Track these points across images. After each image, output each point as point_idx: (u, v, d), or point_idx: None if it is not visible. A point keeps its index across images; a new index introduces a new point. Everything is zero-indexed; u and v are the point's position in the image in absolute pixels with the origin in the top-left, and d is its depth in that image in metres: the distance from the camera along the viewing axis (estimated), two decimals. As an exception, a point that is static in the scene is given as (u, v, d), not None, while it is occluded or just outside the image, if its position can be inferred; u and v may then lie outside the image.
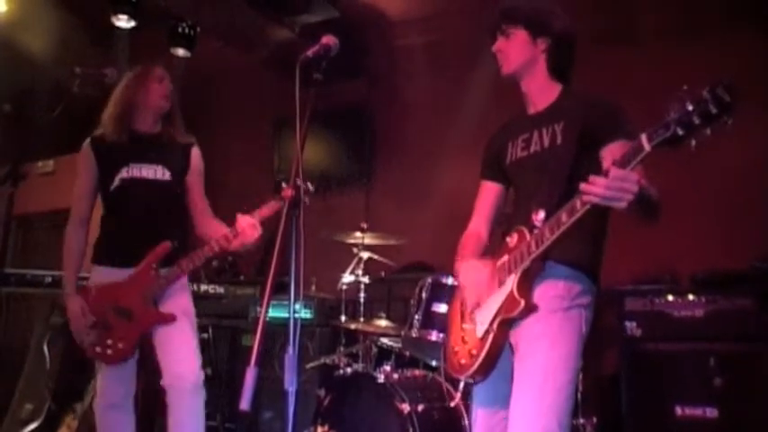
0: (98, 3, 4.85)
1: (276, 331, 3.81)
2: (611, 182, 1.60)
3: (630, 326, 3.40)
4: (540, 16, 2.13)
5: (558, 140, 2.03)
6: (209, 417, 4.22)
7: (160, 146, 2.89)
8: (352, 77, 5.28)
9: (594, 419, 3.46)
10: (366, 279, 3.81)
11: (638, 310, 3.41)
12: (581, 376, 3.45)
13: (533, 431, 1.83)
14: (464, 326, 2.11)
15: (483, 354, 1.96)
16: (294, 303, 1.78)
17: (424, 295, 3.22)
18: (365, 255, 3.87)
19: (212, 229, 2.89)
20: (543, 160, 2.06)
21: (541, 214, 1.90)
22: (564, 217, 1.78)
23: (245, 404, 1.63)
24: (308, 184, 2.57)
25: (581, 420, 3.45)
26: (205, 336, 4.18)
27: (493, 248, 2.16)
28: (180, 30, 5.08)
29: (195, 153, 2.98)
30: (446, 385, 3.22)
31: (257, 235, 2.68)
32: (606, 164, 1.62)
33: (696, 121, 1.44)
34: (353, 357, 3.79)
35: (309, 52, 2.02)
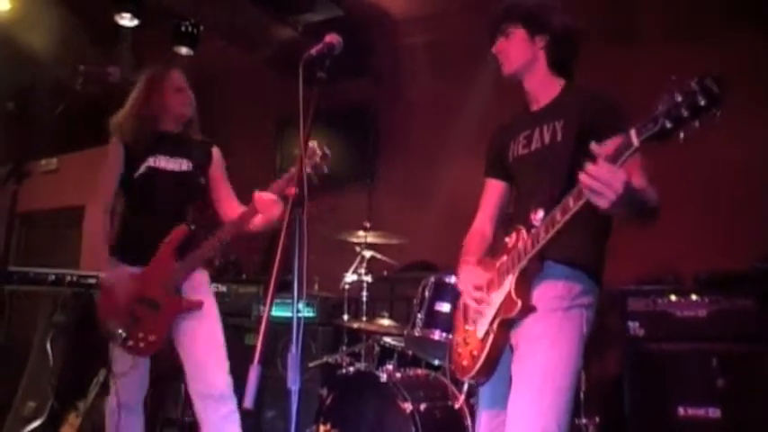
0: (101, 1, 4.85)
1: (279, 330, 3.78)
2: (599, 171, 1.53)
3: (633, 326, 3.39)
4: (537, 13, 2.11)
5: (559, 137, 2.01)
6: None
7: (182, 142, 2.91)
8: (355, 76, 5.27)
9: (597, 419, 3.46)
10: (369, 278, 3.81)
11: (640, 310, 3.41)
12: (583, 376, 3.45)
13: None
14: (466, 327, 2.11)
15: (484, 355, 1.96)
16: (297, 302, 1.78)
17: (426, 294, 3.22)
18: (368, 254, 3.87)
19: (234, 211, 2.89)
20: (543, 158, 2.04)
21: (540, 213, 1.89)
22: (558, 215, 1.76)
23: (248, 402, 1.63)
24: (325, 147, 2.64)
25: (584, 420, 3.45)
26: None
27: (496, 247, 2.15)
28: (183, 28, 5.09)
29: (216, 150, 3.02)
30: (449, 385, 3.22)
31: (280, 209, 2.65)
32: (595, 152, 1.57)
33: (684, 113, 1.40)
34: (356, 356, 3.79)
35: (313, 51, 2.02)
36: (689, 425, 3.17)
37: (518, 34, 2.12)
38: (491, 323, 1.97)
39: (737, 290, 3.22)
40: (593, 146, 1.56)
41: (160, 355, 2.83)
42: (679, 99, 1.40)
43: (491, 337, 1.95)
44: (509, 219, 2.22)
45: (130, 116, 2.84)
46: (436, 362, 3.41)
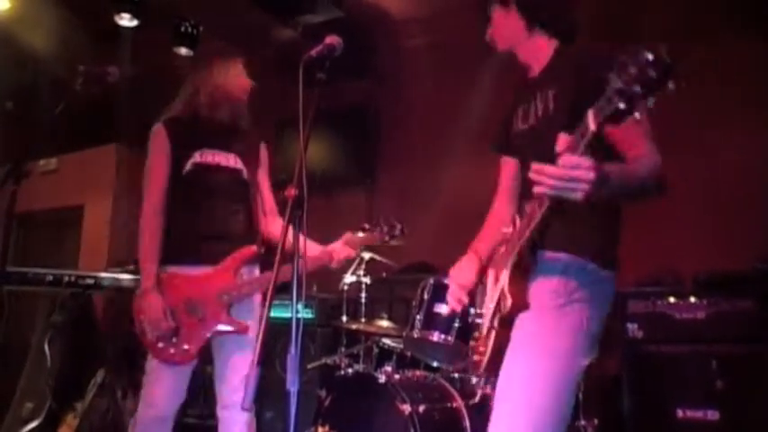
0: (101, 1, 4.85)
1: (277, 331, 3.78)
2: (561, 171, 1.41)
3: (632, 327, 3.39)
4: None
5: (551, 110, 1.87)
6: (208, 416, 4.24)
7: (233, 134, 2.77)
8: (355, 78, 5.28)
9: (596, 421, 3.45)
10: (368, 279, 3.81)
11: (639, 311, 3.41)
12: (582, 378, 3.44)
13: None
14: (477, 321, 2.07)
15: (488, 351, 1.92)
16: (297, 303, 1.78)
17: (425, 296, 3.21)
18: (367, 255, 3.87)
19: (277, 231, 2.75)
20: (539, 133, 1.90)
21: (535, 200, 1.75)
22: (535, 208, 1.65)
23: (246, 403, 1.63)
24: (400, 228, 2.79)
25: (582, 422, 3.44)
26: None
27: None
28: (183, 29, 5.09)
29: (264, 149, 2.92)
30: (448, 386, 3.21)
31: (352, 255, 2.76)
32: (559, 148, 1.44)
33: (637, 89, 1.29)
34: (355, 358, 3.79)
35: (313, 52, 2.02)
36: (688, 427, 3.17)
37: (496, 12, 2.04)
38: (492, 320, 1.92)
39: (737, 291, 3.22)
40: (557, 149, 1.45)
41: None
42: (632, 73, 1.29)
43: (493, 333, 1.91)
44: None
45: (193, 97, 2.71)
46: (435, 363, 3.41)
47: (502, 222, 2.07)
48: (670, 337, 3.31)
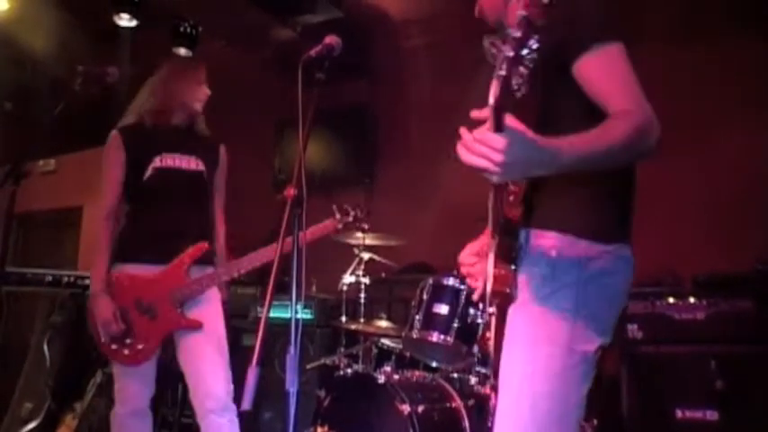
0: (100, 2, 4.85)
1: (276, 332, 3.78)
2: (471, 143, 1.27)
3: (631, 328, 3.39)
4: None
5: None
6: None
7: (192, 137, 2.83)
8: (354, 78, 5.28)
9: (595, 422, 3.45)
10: (367, 280, 3.80)
11: (639, 312, 3.40)
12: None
13: None
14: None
15: (492, 338, 1.90)
16: (296, 304, 1.77)
17: (424, 296, 3.22)
18: (366, 255, 3.87)
19: (220, 240, 2.88)
20: (519, 101, 1.78)
21: None
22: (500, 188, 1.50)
23: (246, 404, 1.62)
24: (359, 211, 2.76)
25: (582, 423, 3.44)
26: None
27: None
28: (182, 29, 5.09)
29: (223, 150, 2.95)
30: (447, 386, 3.21)
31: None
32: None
33: (510, 53, 1.14)
34: (354, 358, 3.79)
35: (312, 52, 2.02)
36: (687, 427, 3.17)
37: None
38: (490, 306, 1.83)
39: (736, 292, 3.22)
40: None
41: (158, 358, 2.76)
42: (515, 36, 1.13)
43: (493, 319, 1.90)
44: None
45: (152, 108, 2.76)
46: (434, 364, 3.41)
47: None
48: (669, 337, 3.31)
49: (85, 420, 3.58)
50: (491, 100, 1.20)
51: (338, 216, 2.73)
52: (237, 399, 2.66)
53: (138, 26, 4.93)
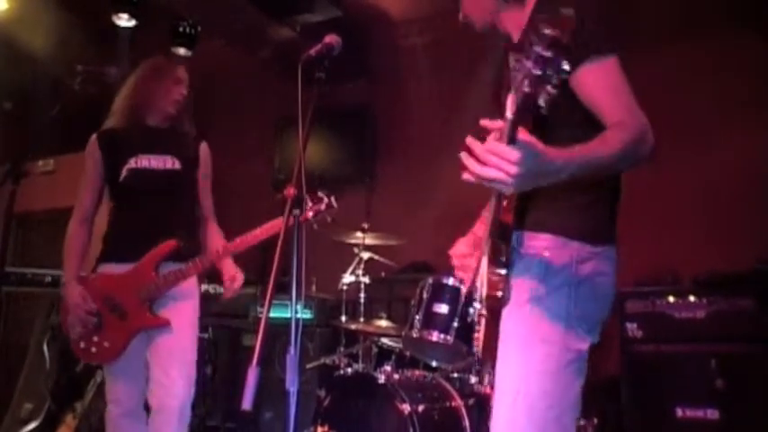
0: (99, 1, 4.85)
1: (276, 331, 3.77)
2: (485, 155, 1.28)
3: (631, 327, 3.40)
4: None
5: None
6: (209, 416, 4.24)
7: (169, 137, 2.81)
8: (354, 77, 5.27)
9: (595, 420, 3.45)
10: (367, 279, 3.81)
11: (639, 311, 3.41)
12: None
13: None
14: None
15: (481, 337, 1.84)
16: (296, 303, 1.77)
17: (424, 295, 3.20)
18: (366, 255, 3.87)
19: (210, 237, 2.85)
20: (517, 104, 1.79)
21: None
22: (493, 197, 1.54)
23: (247, 404, 1.62)
24: (332, 199, 2.61)
25: (581, 421, 3.44)
26: (205, 335, 4.17)
27: None
28: (181, 29, 5.08)
29: (204, 147, 2.92)
30: (447, 386, 3.21)
31: (237, 286, 2.75)
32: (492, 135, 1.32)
33: (537, 72, 1.20)
34: (354, 358, 3.79)
35: (312, 51, 2.01)
36: (687, 426, 3.17)
37: None
38: (482, 306, 1.78)
39: (736, 291, 3.22)
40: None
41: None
42: (538, 52, 1.19)
43: (483, 320, 1.81)
44: None
45: (122, 108, 2.77)
46: (434, 363, 3.40)
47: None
48: (669, 336, 3.32)
49: (85, 420, 3.58)
50: (509, 113, 1.25)
51: (309, 204, 2.63)
52: (238, 399, 2.65)
53: (137, 26, 4.92)
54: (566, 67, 1.19)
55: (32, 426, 3.77)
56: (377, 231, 3.92)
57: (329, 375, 3.73)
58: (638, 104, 1.55)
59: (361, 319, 3.72)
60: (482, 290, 1.71)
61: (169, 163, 2.76)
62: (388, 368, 3.29)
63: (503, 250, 1.63)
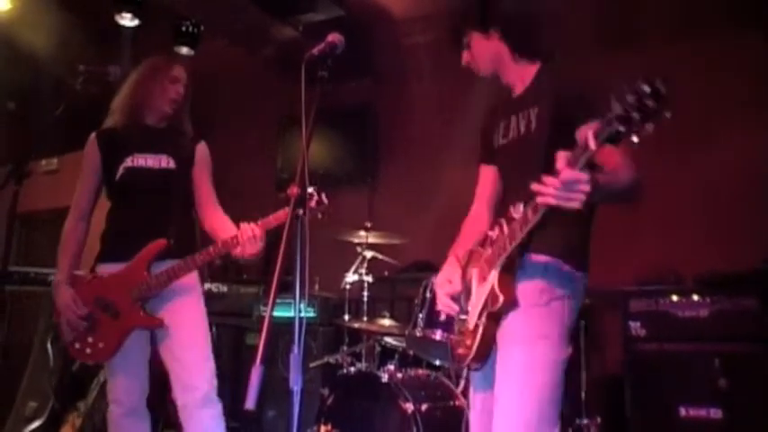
0: (101, 1, 4.85)
1: (280, 330, 3.77)
2: (562, 184, 1.60)
3: (635, 326, 3.39)
4: (480, 10, 2.16)
5: (533, 126, 2.03)
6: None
7: (166, 137, 2.81)
8: (356, 76, 5.27)
9: (598, 419, 3.46)
10: (370, 278, 3.81)
11: (642, 310, 3.40)
12: (584, 376, 3.45)
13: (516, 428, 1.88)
14: (460, 317, 2.16)
15: (475, 345, 2.01)
16: (300, 302, 1.77)
17: (427, 294, 3.21)
18: (369, 254, 3.87)
19: (218, 222, 2.79)
20: (519, 148, 2.07)
21: (520, 207, 1.91)
22: (530, 214, 1.79)
23: (250, 403, 1.62)
24: (323, 196, 2.53)
25: (585, 420, 3.44)
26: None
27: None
28: (184, 28, 5.09)
29: (201, 146, 2.91)
30: (450, 385, 3.21)
31: (257, 249, 2.55)
32: (559, 164, 1.60)
33: (636, 116, 1.42)
34: (357, 356, 3.79)
35: (315, 50, 2.01)
36: (691, 425, 3.17)
37: (474, 38, 2.18)
38: (479, 316, 2.01)
39: (739, 290, 3.22)
40: (558, 165, 1.61)
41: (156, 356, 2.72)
42: (630, 102, 1.41)
43: (480, 329, 2.00)
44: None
45: (120, 106, 2.78)
46: (437, 362, 3.41)
47: (481, 227, 2.23)
48: (672, 335, 3.31)
49: (89, 419, 3.59)
50: (592, 145, 1.52)
51: None
52: (241, 398, 2.65)
53: (139, 25, 4.93)
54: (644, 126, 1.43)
55: (36, 424, 3.78)
56: (379, 230, 3.92)
57: (332, 374, 3.74)
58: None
59: (365, 318, 3.73)
60: (495, 301, 1.94)
61: (164, 162, 2.76)
62: (392, 367, 3.30)
63: (515, 265, 1.96)
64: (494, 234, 2.02)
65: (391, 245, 4.04)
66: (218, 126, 5.43)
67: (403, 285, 4.37)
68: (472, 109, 4.77)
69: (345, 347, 3.85)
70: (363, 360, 3.71)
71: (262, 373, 1.63)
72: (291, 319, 1.74)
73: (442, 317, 3.05)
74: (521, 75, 2.14)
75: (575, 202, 1.61)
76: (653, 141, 1.53)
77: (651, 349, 3.36)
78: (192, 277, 2.72)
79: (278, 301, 1.75)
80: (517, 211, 1.91)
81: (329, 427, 3.20)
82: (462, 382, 3.20)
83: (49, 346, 3.95)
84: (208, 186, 2.88)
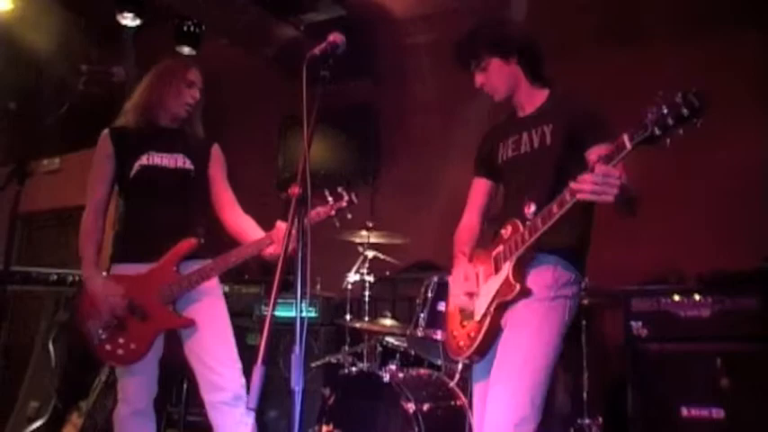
0: (103, 1, 4.86)
1: (281, 330, 3.81)
2: (598, 178, 1.77)
3: (637, 326, 3.38)
4: (501, 37, 2.32)
5: (548, 141, 2.21)
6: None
7: (180, 137, 2.81)
8: (358, 76, 5.27)
9: (600, 419, 3.45)
10: (371, 278, 3.81)
11: (644, 310, 3.39)
12: (586, 376, 3.45)
13: (509, 410, 2.01)
14: (462, 311, 2.28)
15: (481, 335, 2.15)
16: (301, 302, 1.77)
17: (429, 294, 3.22)
18: (370, 253, 3.87)
19: (244, 224, 2.78)
20: (533, 159, 2.24)
21: (533, 207, 2.11)
22: (555, 209, 1.96)
23: (252, 403, 1.62)
24: (353, 195, 2.57)
25: (587, 420, 3.44)
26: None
27: (484, 243, 2.37)
28: (185, 28, 5.09)
29: (216, 148, 2.92)
30: (451, 384, 3.21)
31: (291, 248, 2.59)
32: (592, 161, 1.79)
33: (670, 122, 1.65)
34: (358, 356, 3.79)
35: (316, 50, 2.01)
36: (693, 425, 3.16)
37: (493, 63, 2.31)
38: (488, 306, 2.14)
39: (741, 289, 3.21)
40: (590, 155, 1.85)
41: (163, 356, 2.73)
42: (665, 110, 1.64)
43: (488, 319, 2.14)
44: (495, 218, 2.38)
45: (135, 106, 2.77)
46: (439, 362, 3.41)
47: (473, 233, 2.43)
48: (675, 335, 3.30)
49: (91, 419, 3.59)
50: (628, 144, 1.73)
51: (331, 201, 2.60)
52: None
53: (141, 25, 4.93)
54: (670, 123, 1.67)
55: (38, 424, 3.79)
56: (381, 230, 3.92)
57: (334, 374, 3.73)
58: None
59: (366, 318, 3.73)
60: (510, 290, 2.09)
61: (180, 161, 2.76)
62: (393, 367, 3.29)
63: (529, 259, 2.13)
64: (506, 232, 2.17)
65: (393, 244, 4.04)
66: (218, 126, 5.43)
67: (404, 285, 4.37)
68: (473, 109, 4.78)
69: (347, 347, 3.85)
70: (365, 360, 3.71)
71: (263, 373, 1.63)
72: (293, 319, 1.74)
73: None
74: (532, 98, 2.33)
75: (609, 195, 1.77)
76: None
77: (653, 349, 3.35)
78: (213, 278, 2.71)
79: (279, 300, 1.75)
80: (530, 211, 2.11)
81: (330, 426, 3.20)
82: (457, 376, 3.21)
83: (51, 345, 3.96)
84: (227, 188, 2.89)
